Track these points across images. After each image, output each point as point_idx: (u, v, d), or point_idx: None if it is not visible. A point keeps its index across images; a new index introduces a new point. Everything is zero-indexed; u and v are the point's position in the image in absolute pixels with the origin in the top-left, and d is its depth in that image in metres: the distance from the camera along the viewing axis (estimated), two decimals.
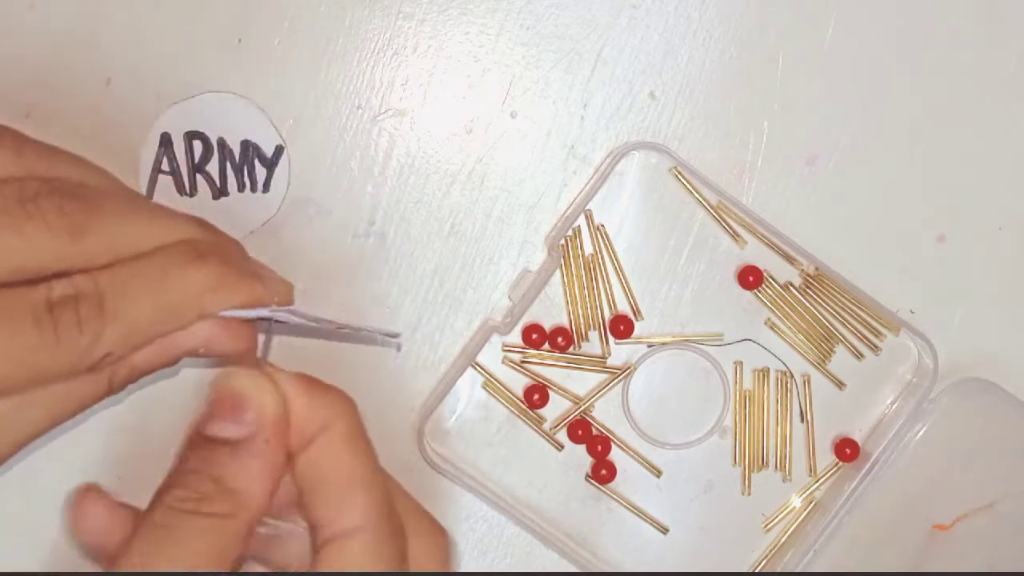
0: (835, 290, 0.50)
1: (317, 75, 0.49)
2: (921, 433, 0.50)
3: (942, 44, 0.51)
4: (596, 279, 0.50)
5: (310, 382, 0.34)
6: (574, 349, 0.50)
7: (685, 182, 0.50)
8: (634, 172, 0.50)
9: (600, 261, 0.50)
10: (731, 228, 0.50)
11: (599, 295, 0.50)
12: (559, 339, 0.50)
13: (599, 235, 0.50)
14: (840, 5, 0.50)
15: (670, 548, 0.51)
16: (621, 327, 0.50)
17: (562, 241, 0.50)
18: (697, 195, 0.50)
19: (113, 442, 0.48)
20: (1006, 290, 0.52)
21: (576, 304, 0.50)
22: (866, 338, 0.51)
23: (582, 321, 0.50)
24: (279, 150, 0.49)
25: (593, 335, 0.50)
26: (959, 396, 0.49)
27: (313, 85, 0.49)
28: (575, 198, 0.50)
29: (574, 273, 0.50)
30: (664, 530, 0.51)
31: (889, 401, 0.51)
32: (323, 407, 0.34)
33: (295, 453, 0.34)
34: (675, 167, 0.49)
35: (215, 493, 0.32)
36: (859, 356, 0.51)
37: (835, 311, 0.51)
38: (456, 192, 0.50)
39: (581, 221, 0.50)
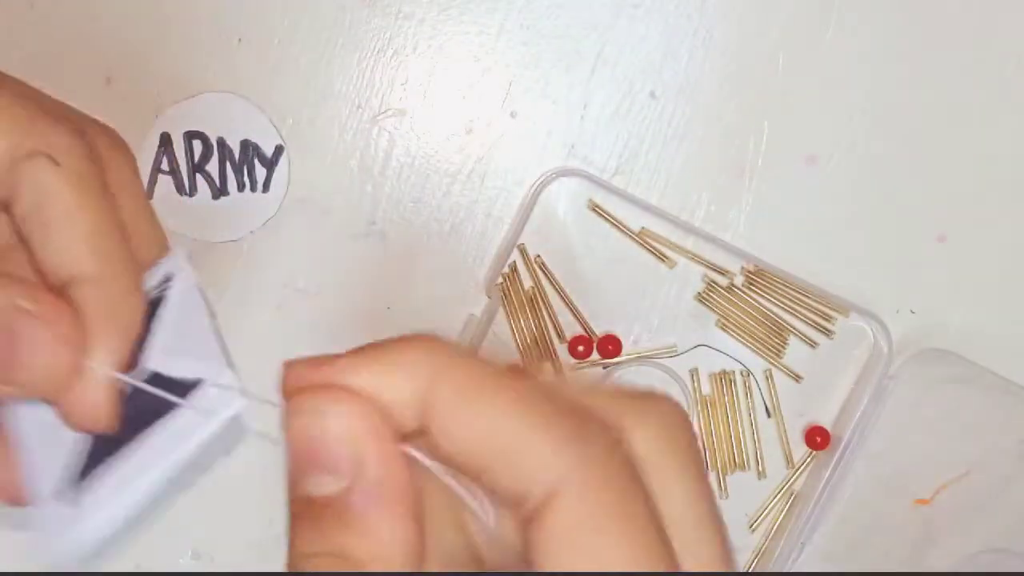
0: (779, 283, 0.50)
1: (317, 75, 0.49)
2: (886, 409, 0.50)
3: (942, 44, 0.51)
4: (540, 311, 0.50)
5: (375, 356, 0.27)
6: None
7: (604, 215, 0.50)
8: (564, 199, 0.50)
9: (541, 293, 0.50)
10: (657, 251, 0.50)
11: (546, 327, 0.50)
12: (579, 347, 0.50)
13: (536, 267, 0.50)
14: (840, 5, 0.50)
15: None
16: (580, 348, 0.50)
17: (499, 280, 0.50)
18: (618, 225, 0.50)
19: None
20: (1007, 290, 0.52)
21: (525, 340, 0.50)
22: (818, 324, 0.51)
23: (533, 356, 0.50)
24: (279, 150, 0.49)
25: (548, 367, 0.50)
26: (917, 368, 0.49)
27: (313, 85, 0.49)
28: (504, 236, 0.50)
29: (517, 309, 0.50)
30: None
31: (851, 383, 0.51)
32: (410, 370, 0.26)
33: (426, 429, 0.27)
34: (592, 201, 0.50)
35: (349, 568, 0.26)
36: (813, 344, 0.51)
37: (783, 304, 0.51)
38: (456, 192, 0.50)
39: (516, 256, 0.50)
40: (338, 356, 0.27)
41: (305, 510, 0.27)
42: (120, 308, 0.31)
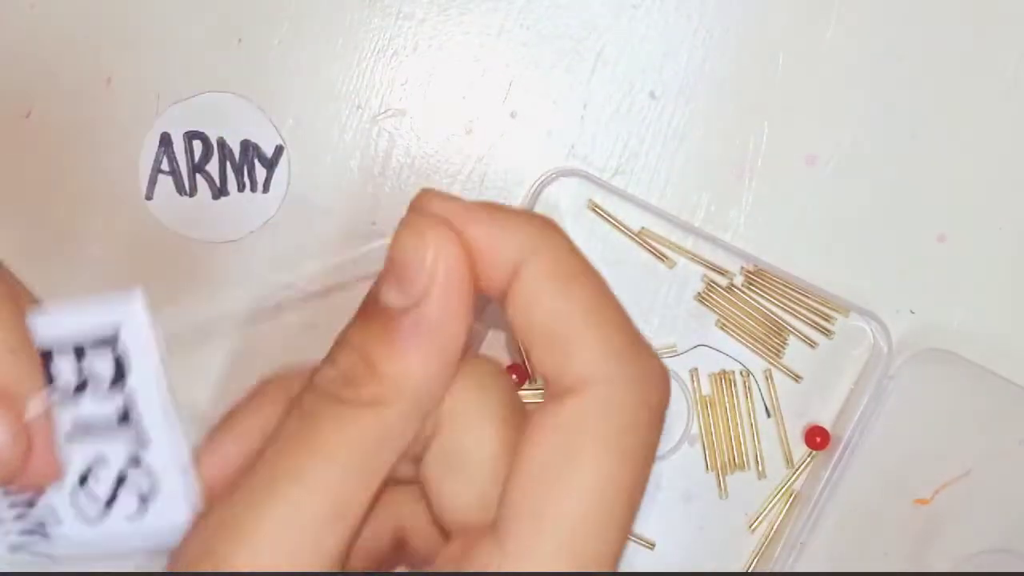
0: (779, 283, 0.50)
1: (317, 75, 0.49)
2: (886, 409, 0.49)
3: (942, 44, 0.51)
4: None
5: (495, 214, 0.28)
6: (529, 384, 0.50)
7: (604, 215, 0.50)
8: (564, 199, 0.50)
9: None
10: (657, 251, 0.50)
11: None
12: (513, 377, 0.49)
13: None
14: (840, 5, 0.50)
15: (659, 563, 0.51)
16: None
17: None
18: (618, 225, 0.50)
19: None
20: (1007, 290, 0.52)
21: None
22: (818, 324, 0.51)
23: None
24: (279, 150, 0.49)
25: None
26: (917, 368, 0.49)
27: (313, 85, 0.49)
28: None
29: None
30: (650, 545, 0.51)
31: (850, 383, 0.51)
32: (516, 240, 0.28)
33: (502, 297, 0.28)
34: (592, 201, 0.50)
35: (363, 375, 0.27)
36: (813, 344, 0.51)
37: (783, 304, 0.51)
38: (456, 192, 0.50)
39: None
40: (466, 202, 0.29)
41: (370, 306, 0.28)
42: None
